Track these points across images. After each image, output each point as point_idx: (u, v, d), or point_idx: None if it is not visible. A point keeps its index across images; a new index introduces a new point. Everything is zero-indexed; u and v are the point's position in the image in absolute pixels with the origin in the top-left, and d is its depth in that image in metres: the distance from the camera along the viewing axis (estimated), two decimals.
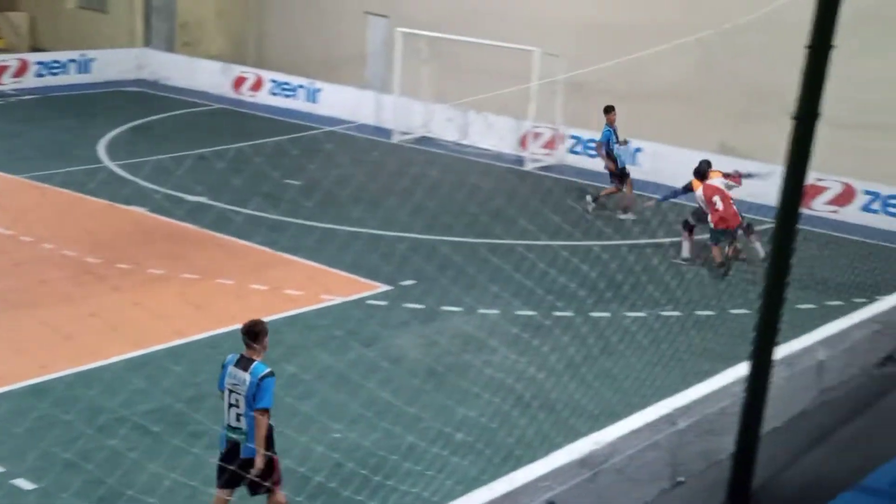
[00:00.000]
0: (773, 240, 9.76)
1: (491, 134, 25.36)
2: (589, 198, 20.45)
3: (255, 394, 8.80)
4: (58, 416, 10.87)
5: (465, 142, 26.07)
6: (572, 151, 25.60)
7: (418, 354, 13.30)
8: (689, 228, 17.67)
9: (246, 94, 31.22)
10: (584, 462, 9.56)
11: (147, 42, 33.93)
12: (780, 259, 9.83)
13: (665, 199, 18.60)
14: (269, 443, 9.10)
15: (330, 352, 11.60)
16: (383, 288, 15.70)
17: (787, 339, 12.78)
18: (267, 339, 9.15)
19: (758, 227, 17.55)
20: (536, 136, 25.49)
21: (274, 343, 12.90)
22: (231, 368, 9.02)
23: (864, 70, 17.75)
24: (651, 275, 15.10)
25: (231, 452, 9.04)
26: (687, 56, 19.58)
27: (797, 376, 12.52)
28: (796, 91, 9.61)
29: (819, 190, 21.86)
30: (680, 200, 18.51)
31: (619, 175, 20.57)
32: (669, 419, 10.55)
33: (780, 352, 11.68)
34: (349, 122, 26.45)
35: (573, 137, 25.58)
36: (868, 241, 19.53)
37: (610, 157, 20.49)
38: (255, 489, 9.10)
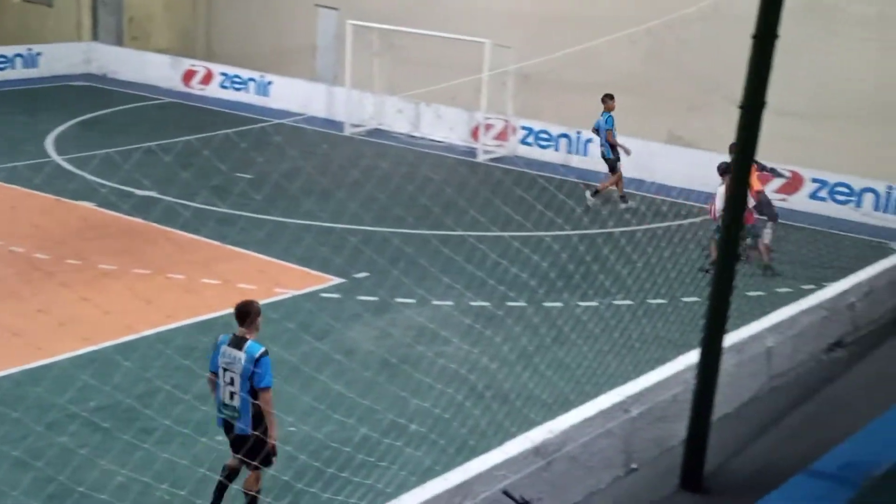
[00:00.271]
0: (720, 228, 9.88)
1: (443, 125, 25.37)
2: (588, 193, 20.75)
3: (251, 373, 8.98)
4: (6, 413, 10.73)
5: (416, 134, 26.07)
6: (524, 142, 25.69)
7: (371, 346, 13.28)
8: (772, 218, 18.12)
9: (196, 88, 31.00)
10: (537, 451, 9.60)
11: (95, 36, 33.57)
12: (728, 247, 9.93)
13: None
14: (260, 421, 9.21)
15: (282, 345, 11.54)
16: (335, 281, 15.66)
17: (737, 326, 12.95)
18: (260, 318, 9.34)
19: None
20: (488, 127, 25.54)
21: None
22: (224, 348, 9.18)
23: (810, 59, 17.94)
24: (602, 264, 15.17)
25: (227, 430, 9.28)
26: (636, 47, 19.70)
27: (747, 363, 12.64)
28: (742, 81, 9.72)
29: (767, 178, 22.09)
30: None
31: (614, 163, 21.00)
32: (622, 407, 10.62)
33: (730, 339, 11.81)
34: (301, 115, 26.39)
35: (524, 128, 25.67)
36: (816, 228, 19.76)
37: (612, 144, 20.86)
38: (244, 464, 9.29)
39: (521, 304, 14.72)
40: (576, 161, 24.81)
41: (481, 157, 24.82)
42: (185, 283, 15.13)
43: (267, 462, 9.31)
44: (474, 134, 25.76)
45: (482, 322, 13.88)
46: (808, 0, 17.22)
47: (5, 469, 9.94)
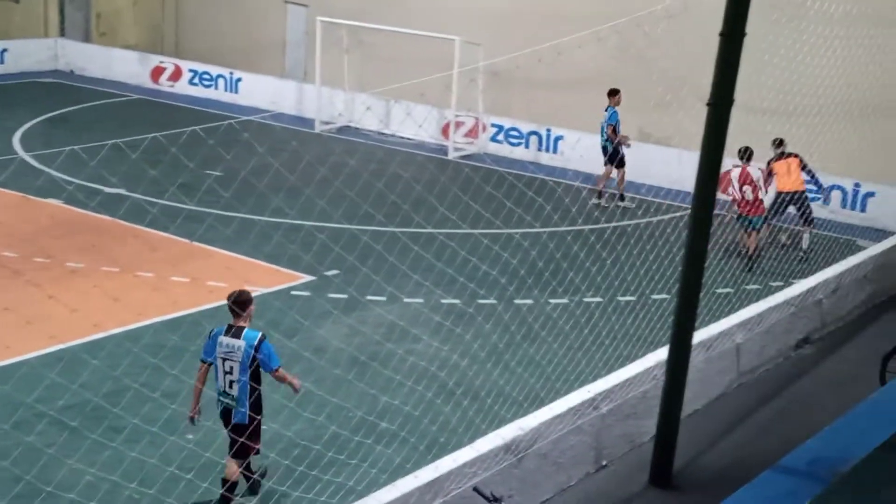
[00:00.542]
0: (689, 225, 9.92)
1: (413, 123, 25.35)
2: (616, 201, 21.17)
3: (254, 359, 9.25)
4: None
5: (387, 131, 26.03)
6: (494, 140, 25.72)
7: (341, 344, 13.25)
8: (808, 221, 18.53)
9: (164, 85, 30.83)
10: (508, 448, 9.63)
11: (62, 32, 33.30)
12: (696, 244, 9.98)
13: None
14: (259, 408, 9.47)
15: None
16: (305, 278, 15.62)
17: (706, 323, 13.02)
18: (252, 307, 9.61)
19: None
20: (458, 124, 25.54)
21: (194, 335, 12.81)
22: (221, 338, 9.39)
23: (777, 56, 18.03)
24: (572, 262, 15.20)
25: (225, 419, 9.46)
26: (604, 44, 19.72)
27: (716, 360, 12.73)
28: (711, 78, 9.75)
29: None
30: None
31: (613, 159, 21.19)
32: (592, 404, 10.67)
33: (699, 336, 11.91)
34: (270, 112, 26.28)
35: (494, 126, 25.69)
36: (785, 225, 19.87)
37: (620, 138, 21.03)
38: (239, 452, 9.39)
39: (492, 301, 14.72)
40: (546, 158, 24.87)
41: (452, 155, 24.81)
42: (153, 281, 15.04)
43: (248, 453, 9.44)
44: (444, 131, 25.75)
45: (452, 319, 13.87)
46: None
47: None
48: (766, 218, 18.05)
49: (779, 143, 18.73)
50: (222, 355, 9.40)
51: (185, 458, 10.13)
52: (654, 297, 15.45)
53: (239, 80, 29.75)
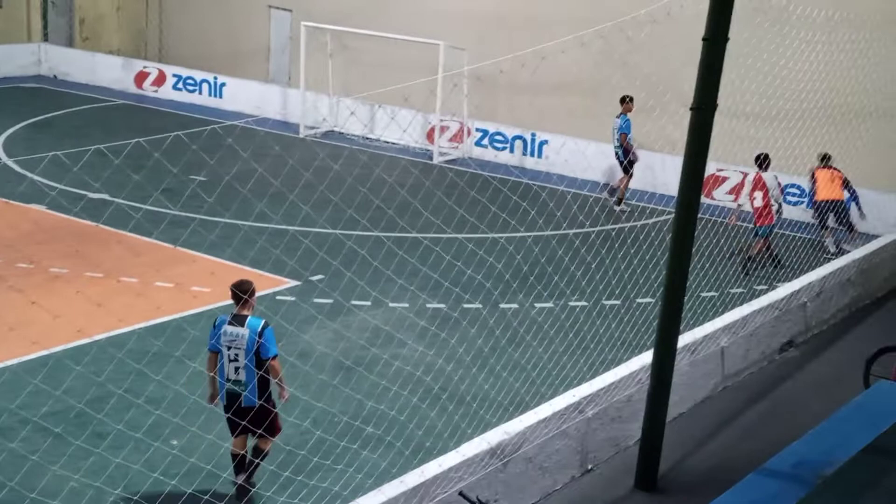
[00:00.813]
0: (673, 229, 9.95)
1: (397, 127, 25.35)
2: (607, 195, 21.32)
3: (255, 346, 9.57)
4: None
5: (372, 136, 26.01)
6: (479, 144, 25.75)
7: (326, 349, 13.23)
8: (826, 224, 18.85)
9: (149, 90, 30.77)
10: (494, 452, 9.64)
11: (45, 37, 33.20)
12: (681, 248, 10.01)
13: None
14: (266, 392, 9.79)
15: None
16: (290, 283, 15.59)
17: (691, 326, 13.05)
18: (255, 297, 9.95)
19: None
20: (443, 129, 25.55)
21: (178, 340, 12.78)
22: (225, 327, 9.70)
23: (760, 61, 18.11)
24: (557, 266, 15.22)
25: (232, 404, 9.64)
26: (588, 49, 19.78)
27: (701, 363, 12.77)
28: (694, 83, 9.78)
29: (720, 180, 22.29)
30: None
31: (627, 165, 21.38)
32: (577, 408, 10.69)
33: (684, 339, 11.94)
34: (255, 116, 26.22)
35: (479, 130, 25.71)
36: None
37: (627, 145, 21.23)
38: (253, 434, 9.76)
39: (477, 305, 14.73)
40: (530, 163, 24.91)
41: (436, 159, 24.82)
42: (137, 287, 14.99)
43: (272, 431, 9.89)
44: (429, 136, 25.76)
45: (438, 324, 13.86)
46: (757, 2, 17.34)
47: None
48: (771, 228, 18.16)
49: (825, 157, 19.02)
50: (227, 343, 9.68)
51: (169, 464, 10.10)
52: (639, 300, 15.48)
53: (223, 84, 29.71)
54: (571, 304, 15.16)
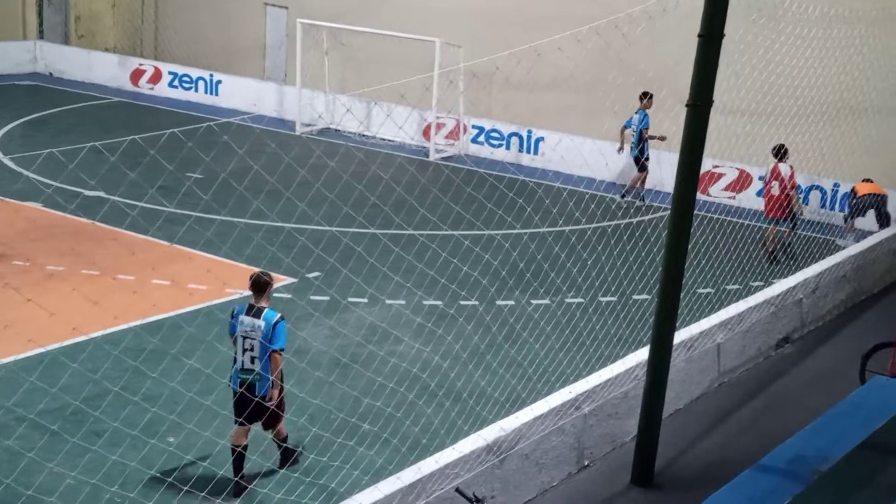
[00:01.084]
0: (670, 225, 9.96)
1: (394, 124, 25.35)
2: (631, 198, 21.55)
3: (270, 337, 9.87)
4: None
5: (368, 133, 26.00)
6: (475, 141, 25.75)
7: (322, 346, 13.23)
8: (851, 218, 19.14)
9: (144, 87, 30.74)
10: (490, 448, 9.64)
11: (40, 35, 33.15)
12: (677, 244, 10.01)
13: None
14: (281, 381, 10.15)
15: (231, 346, 11.46)
16: (286, 280, 15.58)
17: (687, 323, 13.07)
18: (272, 288, 10.32)
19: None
20: (439, 126, 25.55)
21: (174, 337, 12.79)
22: (243, 317, 10.00)
23: (756, 57, 18.12)
24: (554, 262, 15.22)
25: (245, 391, 9.87)
26: (584, 46, 19.78)
27: (697, 359, 12.78)
28: (689, 79, 9.78)
29: (716, 176, 22.30)
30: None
31: (642, 161, 21.55)
32: (574, 404, 10.69)
33: (680, 336, 11.95)
34: (251, 114, 26.22)
35: (475, 127, 25.71)
36: (764, 225, 19.94)
37: (643, 141, 21.35)
38: (267, 423, 10.12)
39: (473, 302, 14.73)
40: (526, 160, 24.91)
41: (433, 156, 24.82)
42: (133, 284, 14.98)
43: (277, 417, 10.19)
44: (425, 133, 25.76)
45: (434, 321, 13.87)
46: None
47: None
48: (792, 218, 18.47)
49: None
50: (243, 333, 9.96)
51: (165, 461, 10.12)
52: (636, 297, 15.49)
53: (219, 82, 29.69)
54: (568, 300, 15.17)
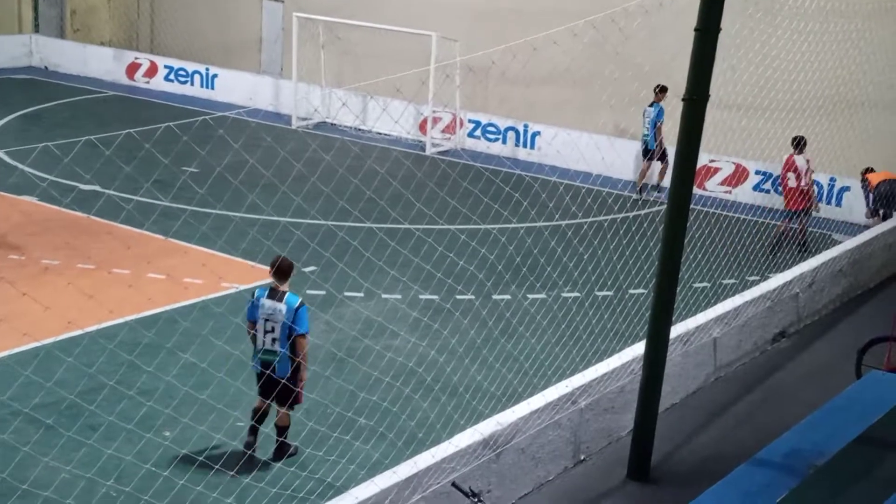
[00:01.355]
0: (666, 220, 9.95)
1: (390, 119, 25.33)
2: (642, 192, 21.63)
3: (292, 321, 10.18)
4: None
5: (364, 127, 25.98)
6: (471, 135, 25.73)
7: (318, 340, 13.21)
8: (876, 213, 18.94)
9: (140, 81, 30.69)
10: (487, 443, 9.63)
11: (36, 28, 33.08)
12: (674, 239, 10.00)
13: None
14: (297, 365, 10.36)
15: (227, 340, 11.44)
16: None
17: (683, 317, 13.06)
18: (293, 273, 10.55)
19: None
20: (436, 120, 25.53)
21: (170, 331, 12.77)
22: (263, 300, 10.35)
23: (752, 51, 18.11)
24: (550, 257, 15.22)
25: (260, 376, 10.32)
26: (580, 40, 19.77)
27: (693, 354, 12.77)
28: (685, 73, 9.76)
29: (712, 170, 22.30)
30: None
31: (654, 155, 21.63)
32: (570, 398, 10.68)
33: (676, 330, 11.95)
34: (247, 108, 26.18)
35: (472, 122, 25.69)
36: (760, 220, 19.96)
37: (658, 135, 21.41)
38: (282, 402, 10.34)
39: (470, 297, 14.72)
40: (523, 154, 24.90)
41: (429, 150, 24.80)
42: (128, 278, 14.96)
43: (295, 402, 10.36)
44: (422, 127, 25.73)
45: (430, 315, 13.86)
46: None
47: None
48: (807, 211, 18.58)
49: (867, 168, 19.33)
50: (265, 316, 10.31)
51: (161, 455, 10.10)
52: (632, 291, 15.49)
53: (215, 76, 29.64)
54: (564, 295, 15.16)
